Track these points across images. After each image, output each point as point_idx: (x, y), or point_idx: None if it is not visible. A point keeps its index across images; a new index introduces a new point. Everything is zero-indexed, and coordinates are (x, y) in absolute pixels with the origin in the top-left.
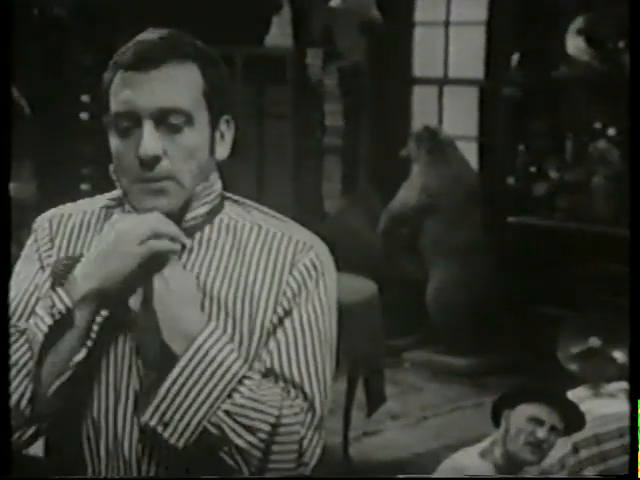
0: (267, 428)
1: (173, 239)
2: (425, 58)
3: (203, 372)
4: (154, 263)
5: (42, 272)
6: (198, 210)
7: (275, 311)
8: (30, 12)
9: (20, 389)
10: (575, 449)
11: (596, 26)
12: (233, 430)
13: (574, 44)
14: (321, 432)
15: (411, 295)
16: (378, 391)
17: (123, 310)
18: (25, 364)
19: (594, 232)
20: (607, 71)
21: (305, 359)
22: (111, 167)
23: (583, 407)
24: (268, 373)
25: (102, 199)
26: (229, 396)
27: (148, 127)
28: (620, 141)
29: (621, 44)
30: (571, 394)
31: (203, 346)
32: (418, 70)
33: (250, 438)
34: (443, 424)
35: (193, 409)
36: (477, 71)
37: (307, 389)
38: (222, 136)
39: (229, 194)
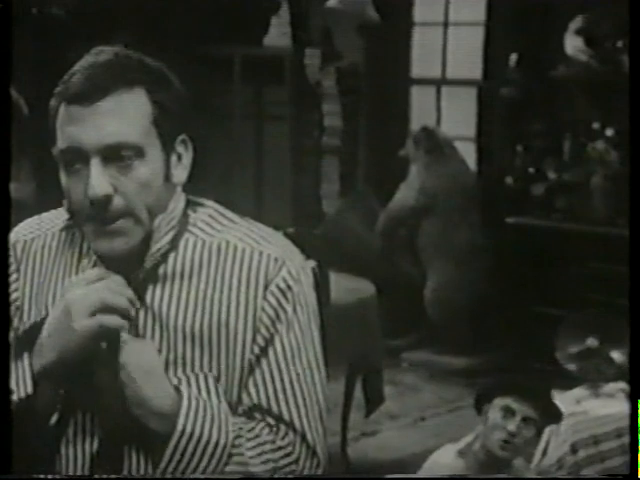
0: None
1: (123, 314)
2: (423, 58)
3: (193, 454)
4: (105, 336)
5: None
6: (161, 241)
7: (255, 340)
8: (29, 12)
9: None
10: (573, 449)
11: (595, 26)
12: None
13: (572, 44)
14: (316, 457)
15: (409, 295)
16: (376, 391)
17: (85, 386)
18: None
19: (592, 232)
20: (606, 71)
21: (292, 391)
22: (64, 203)
23: (581, 407)
24: (255, 409)
25: (62, 217)
26: (225, 465)
27: (95, 165)
28: (618, 142)
29: (619, 44)
30: (569, 394)
31: (186, 429)
32: (416, 70)
33: None
34: (441, 424)
35: None
36: (475, 71)
37: (297, 423)
38: (179, 158)
39: (193, 198)
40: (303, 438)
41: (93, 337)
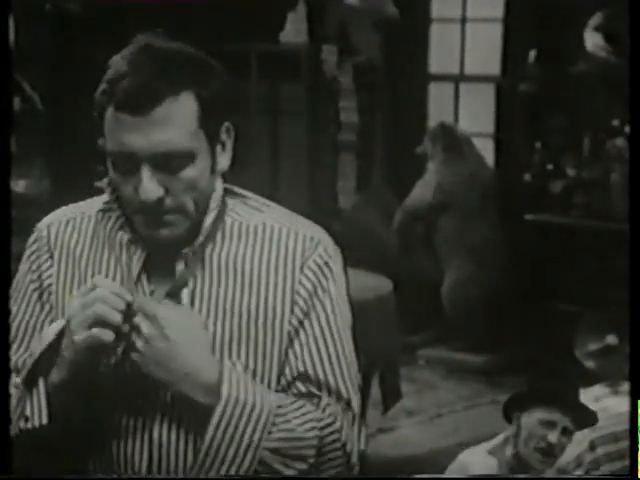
0: (313, 452)
1: (115, 329)
2: (441, 55)
3: (239, 419)
4: (103, 350)
5: (40, 306)
6: (210, 215)
7: (293, 312)
8: (43, 7)
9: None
10: (592, 446)
11: (614, 22)
12: (283, 464)
13: (592, 41)
14: (360, 426)
15: (426, 292)
16: (393, 388)
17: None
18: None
19: (611, 229)
20: (625, 68)
21: (335, 359)
22: (108, 190)
23: (600, 405)
24: (298, 379)
25: (99, 202)
26: (269, 433)
27: (146, 172)
28: None
29: None
30: (589, 392)
31: (231, 394)
32: (434, 67)
33: (300, 466)
34: (458, 421)
35: (239, 458)
36: (494, 68)
37: (343, 390)
38: (223, 146)
39: (228, 186)
40: (348, 404)
41: (91, 350)
